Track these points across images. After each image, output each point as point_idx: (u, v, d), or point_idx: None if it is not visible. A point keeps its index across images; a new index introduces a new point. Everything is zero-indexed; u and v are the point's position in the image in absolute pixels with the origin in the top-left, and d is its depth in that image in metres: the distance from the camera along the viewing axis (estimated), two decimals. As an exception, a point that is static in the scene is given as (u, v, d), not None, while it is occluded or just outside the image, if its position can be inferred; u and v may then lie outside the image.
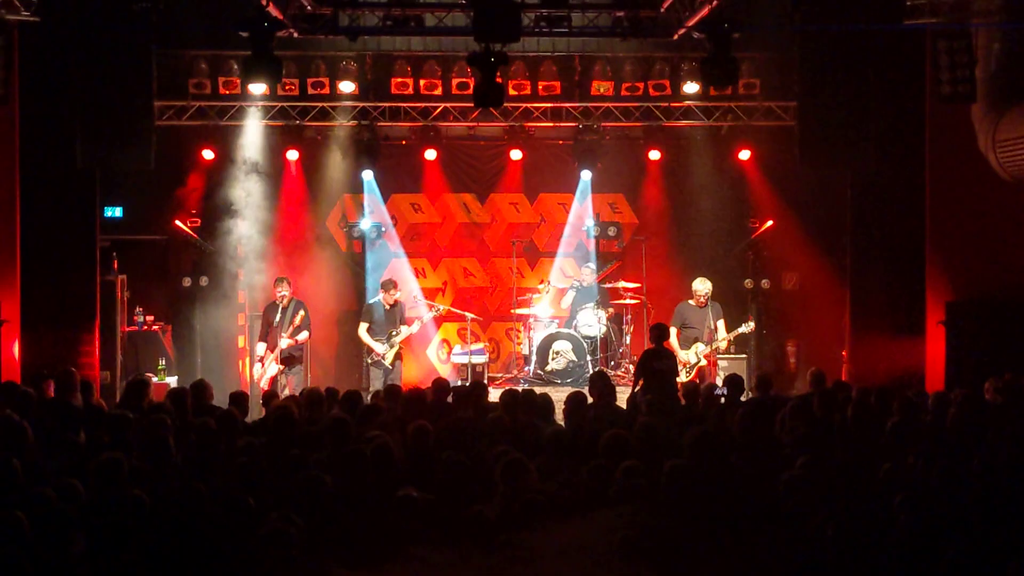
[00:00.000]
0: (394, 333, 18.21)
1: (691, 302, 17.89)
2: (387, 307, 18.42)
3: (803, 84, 16.57)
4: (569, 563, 7.08)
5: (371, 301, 18.96)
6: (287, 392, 17.08)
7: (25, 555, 7.14)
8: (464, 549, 7.65)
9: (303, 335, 18.04)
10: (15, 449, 9.51)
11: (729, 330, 17.87)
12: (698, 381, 16.26)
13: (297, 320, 17.80)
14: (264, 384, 17.76)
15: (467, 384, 15.32)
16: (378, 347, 18.20)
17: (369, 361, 18.46)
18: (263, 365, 17.93)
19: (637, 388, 14.98)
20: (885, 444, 10.31)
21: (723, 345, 17.87)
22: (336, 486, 8.51)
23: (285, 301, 17.95)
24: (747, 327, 18.06)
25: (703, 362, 17.66)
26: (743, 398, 13.63)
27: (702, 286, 17.83)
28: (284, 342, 17.80)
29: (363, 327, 18.44)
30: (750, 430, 10.58)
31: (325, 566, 7.45)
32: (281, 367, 17.82)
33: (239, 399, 12.56)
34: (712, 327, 17.73)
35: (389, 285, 18.57)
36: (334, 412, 11.64)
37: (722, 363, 18.52)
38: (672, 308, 18.28)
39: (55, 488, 8.13)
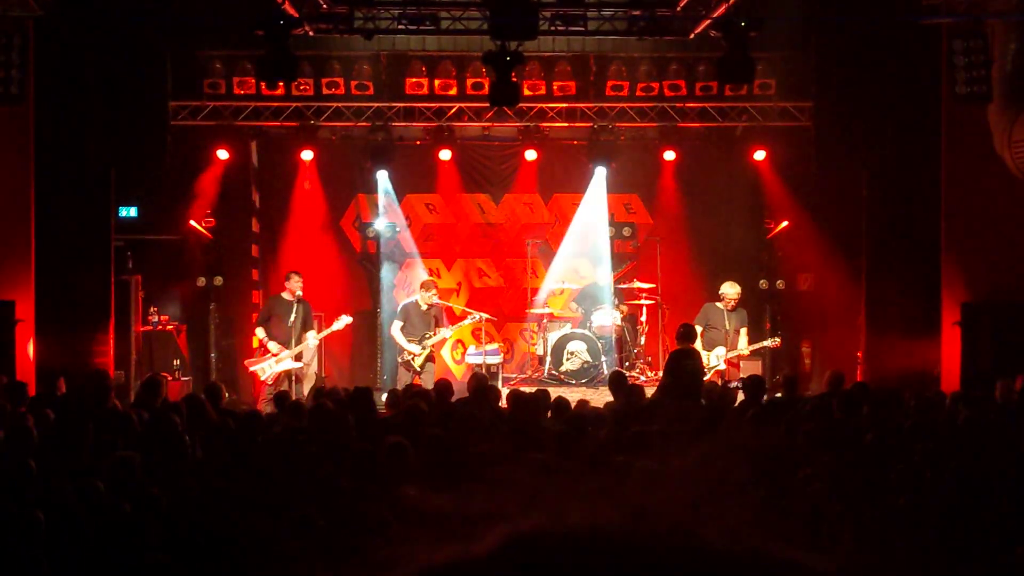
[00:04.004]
0: (427, 336, 17.96)
1: (718, 304, 17.78)
2: (423, 308, 18.14)
3: (819, 84, 16.55)
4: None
5: (406, 301, 18.68)
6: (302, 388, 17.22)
7: (42, 554, 7.14)
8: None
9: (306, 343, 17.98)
10: (27, 448, 9.53)
11: (752, 339, 17.82)
12: (719, 382, 16.23)
13: (309, 323, 17.78)
14: (269, 378, 17.54)
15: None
16: (412, 348, 17.97)
17: (400, 360, 18.21)
18: (271, 356, 17.71)
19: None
20: (901, 445, 10.28)
21: (745, 354, 17.80)
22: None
23: (295, 295, 17.74)
24: (772, 342, 18.00)
25: (722, 366, 17.58)
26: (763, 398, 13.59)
27: (731, 290, 17.68)
28: (313, 340, 17.90)
29: (397, 325, 18.11)
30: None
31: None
32: (300, 364, 17.78)
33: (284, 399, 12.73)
34: (738, 332, 17.66)
35: (429, 285, 18.19)
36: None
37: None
38: (687, 308, 18.24)
39: (71, 487, 8.14)
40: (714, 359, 17.49)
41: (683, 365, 14.90)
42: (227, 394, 14.97)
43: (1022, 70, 16.33)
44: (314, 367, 18.68)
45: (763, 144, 19.90)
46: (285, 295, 17.81)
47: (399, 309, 18.63)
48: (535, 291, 20.09)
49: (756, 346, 17.81)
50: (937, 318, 17.30)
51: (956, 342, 17.09)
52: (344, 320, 17.97)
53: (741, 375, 17.33)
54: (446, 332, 18.39)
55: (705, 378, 16.94)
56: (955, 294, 17.24)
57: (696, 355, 15.45)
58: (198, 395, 12.65)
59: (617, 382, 13.61)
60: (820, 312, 19.97)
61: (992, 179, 16.84)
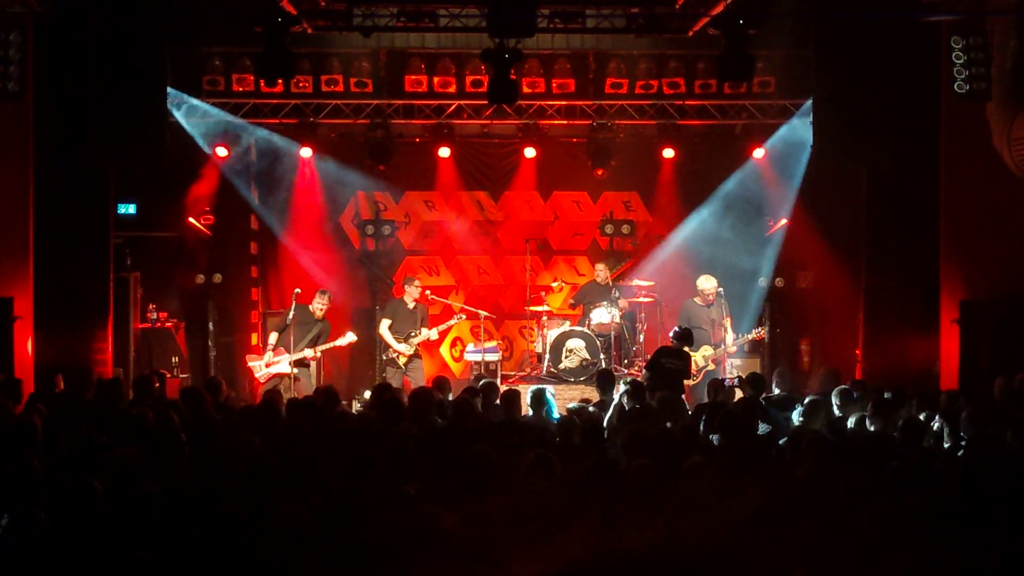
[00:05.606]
0: (413, 334, 18.15)
1: (697, 300, 17.83)
2: (410, 307, 18.38)
3: (819, 82, 16.52)
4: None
5: (396, 299, 18.93)
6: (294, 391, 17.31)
7: (45, 550, 7.15)
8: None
9: (310, 352, 18.12)
10: (28, 446, 9.51)
11: (737, 330, 17.82)
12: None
13: (323, 341, 17.97)
14: (262, 377, 17.83)
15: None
16: (397, 346, 18.15)
17: (384, 358, 18.42)
18: (272, 355, 17.99)
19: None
20: (899, 442, 10.28)
21: (732, 350, 17.81)
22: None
23: (320, 314, 18.04)
24: (756, 333, 18.00)
25: (710, 366, 17.56)
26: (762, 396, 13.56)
27: (707, 284, 17.76)
28: (307, 351, 17.96)
29: (385, 324, 18.41)
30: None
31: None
32: (294, 370, 17.90)
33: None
34: (722, 325, 17.67)
35: (411, 279, 18.56)
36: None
37: (736, 362, 18.45)
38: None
39: (70, 485, 8.12)
40: (701, 360, 17.48)
41: (661, 363, 14.96)
42: (226, 390, 14.92)
43: (1022, 68, 16.32)
44: (313, 368, 18.67)
45: (763, 142, 19.87)
46: (313, 309, 18.17)
47: (386, 307, 18.80)
48: (534, 288, 19.98)
49: (740, 340, 17.83)
50: (936, 316, 17.30)
51: (955, 339, 17.09)
52: (349, 337, 18.25)
53: (730, 375, 17.34)
54: (431, 333, 18.49)
55: (695, 381, 16.99)
56: (954, 292, 17.24)
57: (682, 355, 15.45)
58: (198, 388, 12.64)
59: (605, 380, 13.66)
60: (819, 310, 19.98)
61: (991, 177, 16.84)
